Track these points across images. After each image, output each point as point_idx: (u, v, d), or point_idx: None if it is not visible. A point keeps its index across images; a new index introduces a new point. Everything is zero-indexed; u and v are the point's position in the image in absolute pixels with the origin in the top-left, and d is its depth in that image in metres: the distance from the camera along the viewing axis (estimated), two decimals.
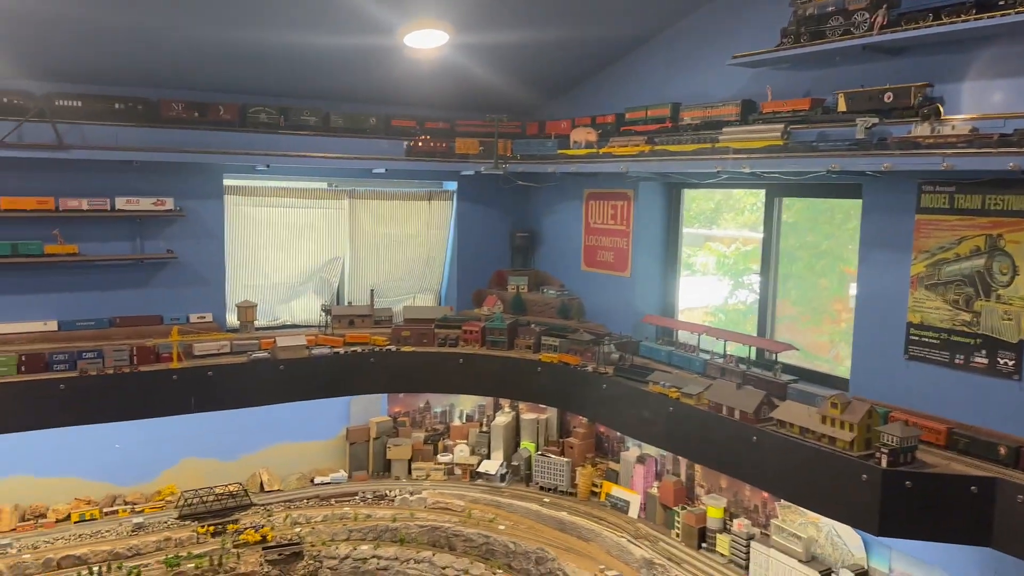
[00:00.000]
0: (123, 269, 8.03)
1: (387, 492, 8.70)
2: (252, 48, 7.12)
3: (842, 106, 5.65)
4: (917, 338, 5.55)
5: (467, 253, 9.81)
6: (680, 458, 7.69)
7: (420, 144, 8.71)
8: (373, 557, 7.89)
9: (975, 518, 4.67)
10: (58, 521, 7.75)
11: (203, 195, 8.30)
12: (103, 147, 7.31)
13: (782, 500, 6.55)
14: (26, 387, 6.90)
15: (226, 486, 8.34)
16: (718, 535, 7.05)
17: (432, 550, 7.99)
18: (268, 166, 8.30)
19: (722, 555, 6.99)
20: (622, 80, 8.28)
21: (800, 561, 6.31)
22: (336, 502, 8.55)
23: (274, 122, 8.14)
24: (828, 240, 7.04)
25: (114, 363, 7.26)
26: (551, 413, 9.18)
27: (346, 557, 7.84)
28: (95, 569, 7.16)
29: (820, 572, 6.19)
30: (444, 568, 7.82)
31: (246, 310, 8.56)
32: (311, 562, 7.71)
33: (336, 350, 8.24)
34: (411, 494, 8.62)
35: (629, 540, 7.43)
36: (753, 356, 6.87)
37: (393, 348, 8.41)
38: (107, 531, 7.65)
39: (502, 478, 8.91)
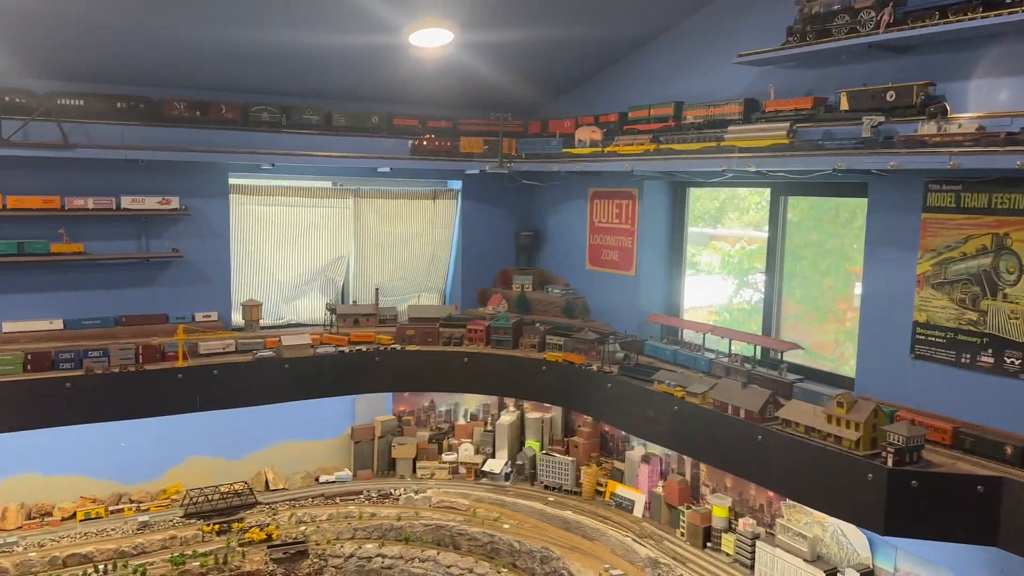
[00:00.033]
0: (128, 268, 8.05)
1: (392, 491, 8.71)
2: (253, 47, 7.12)
3: (844, 105, 5.65)
4: (923, 337, 5.54)
5: (472, 252, 9.82)
6: (685, 457, 7.67)
7: (425, 143, 8.72)
8: (378, 556, 7.90)
9: (981, 517, 4.66)
10: (64, 519, 7.77)
11: (208, 194, 8.32)
12: (108, 146, 7.32)
13: (787, 499, 6.54)
14: (32, 386, 6.93)
15: (231, 485, 8.35)
16: (723, 534, 7.04)
17: (437, 549, 7.99)
18: (273, 165, 8.34)
19: (727, 554, 6.98)
20: (625, 79, 8.28)
21: (805, 560, 6.30)
22: (341, 501, 8.56)
23: (276, 121, 8.15)
24: (833, 239, 7.02)
25: (120, 362, 7.28)
26: (556, 412, 9.18)
27: (351, 556, 7.85)
28: (101, 567, 7.19)
29: (825, 572, 6.18)
30: (449, 567, 7.83)
31: (251, 309, 8.57)
32: (316, 561, 7.72)
33: (341, 349, 8.24)
34: (416, 493, 8.62)
35: (634, 539, 7.42)
36: (758, 355, 6.85)
37: (398, 347, 8.41)
38: (113, 529, 7.67)
39: (507, 477, 8.91)
